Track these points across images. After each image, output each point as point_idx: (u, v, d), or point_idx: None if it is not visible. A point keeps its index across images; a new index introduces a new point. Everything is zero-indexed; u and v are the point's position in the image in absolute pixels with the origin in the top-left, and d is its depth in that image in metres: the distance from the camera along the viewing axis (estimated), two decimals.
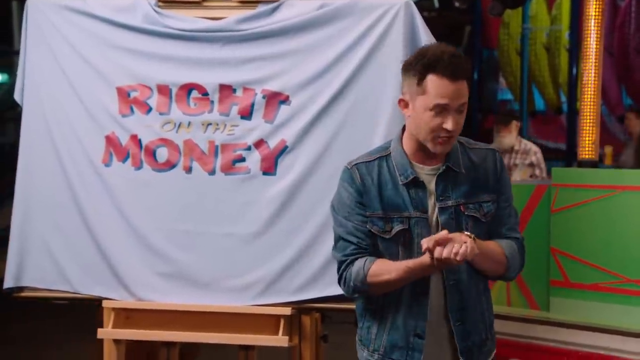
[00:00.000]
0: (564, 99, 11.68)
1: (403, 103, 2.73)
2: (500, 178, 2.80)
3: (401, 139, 2.78)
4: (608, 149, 8.70)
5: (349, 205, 2.75)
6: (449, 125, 2.61)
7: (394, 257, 2.71)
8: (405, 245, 2.71)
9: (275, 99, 3.89)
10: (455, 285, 2.72)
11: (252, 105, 3.91)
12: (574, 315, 2.84)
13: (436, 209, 2.71)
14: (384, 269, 2.67)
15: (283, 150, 3.86)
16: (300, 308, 3.80)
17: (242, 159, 3.88)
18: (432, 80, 2.60)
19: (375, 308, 2.78)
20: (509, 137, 7.10)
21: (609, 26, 9.04)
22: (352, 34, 3.82)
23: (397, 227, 2.70)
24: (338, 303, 3.77)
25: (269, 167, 3.86)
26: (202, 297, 3.84)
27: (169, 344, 3.95)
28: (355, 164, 2.79)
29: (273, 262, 3.80)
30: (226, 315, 3.79)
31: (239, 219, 3.84)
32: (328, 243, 3.72)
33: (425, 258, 2.55)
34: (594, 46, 4.46)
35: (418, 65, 2.63)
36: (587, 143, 4.41)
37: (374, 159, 2.79)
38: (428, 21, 3.90)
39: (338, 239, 2.80)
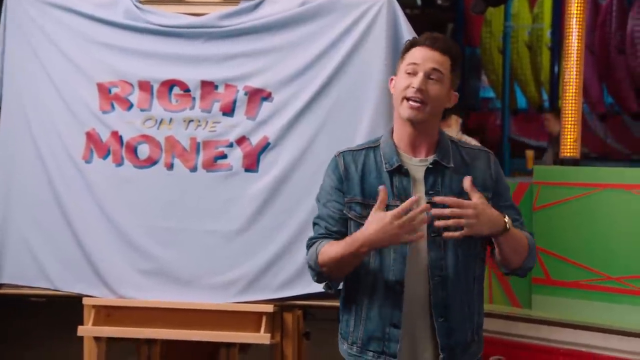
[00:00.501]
0: (545, 96, 11.72)
1: (391, 83, 2.80)
2: (498, 180, 2.80)
3: (392, 132, 2.80)
4: (529, 153, 8.81)
5: (327, 191, 2.80)
6: (415, 83, 2.66)
7: None
8: None
9: (258, 96, 3.86)
10: (440, 282, 2.70)
11: (234, 101, 3.87)
12: (555, 313, 2.83)
13: (421, 201, 2.66)
14: (333, 246, 2.68)
15: (265, 147, 3.83)
16: (283, 305, 3.77)
17: (224, 156, 3.85)
18: (412, 50, 2.73)
19: (352, 300, 2.78)
20: (449, 132, 7.07)
21: (590, 25, 9.05)
22: (334, 30, 3.79)
23: None
24: (320, 300, 3.75)
25: (251, 164, 3.83)
26: (184, 295, 3.80)
27: (151, 342, 3.91)
28: (342, 152, 2.83)
29: (255, 259, 3.77)
30: (208, 312, 3.75)
31: (221, 216, 3.81)
32: None
33: (356, 236, 2.59)
34: (576, 44, 4.48)
35: (407, 44, 2.77)
36: (569, 141, 4.42)
37: (362, 149, 2.83)
38: (411, 18, 3.89)
39: (313, 225, 2.84)
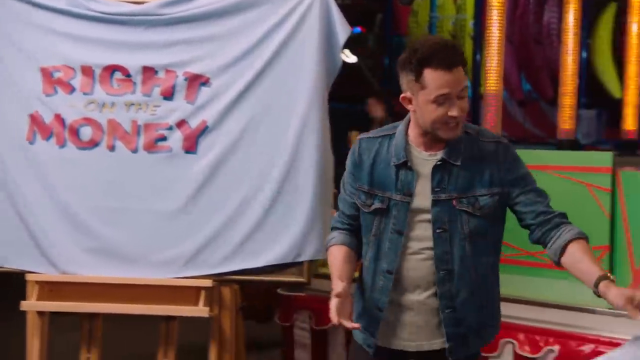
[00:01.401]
0: (468, 83, 11.88)
1: (406, 100, 2.67)
2: (510, 169, 2.73)
3: (408, 125, 2.75)
4: (354, 135, 8.96)
5: (346, 174, 2.84)
6: (454, 112, 2.58)
7: (368, 230, 2.76)
8: (381, 223, 2.74)
9: (196, 81, 3.90)
10: (446, 275, 2.70)
11: (174, 86, 3.91)
12: None
13: (425, 197, 2.69)
14: (329, 258, 2.82)
15: (204, 130, 3.87)
16: (221, 280, 3.83)
17: (164, 138, 3.88)
18: (429, 74, 2.55)
19: (360, 280, 2.86)
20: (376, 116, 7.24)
21: (510, 17, 9.21)
22: (270, 19, 3.85)
23: (376, 205, 2.72)
24: (256, 275, 3.83)
25: (191, 146, 3.87)
26: (127, 271, 3.83)
27: (93, 316, 3.93)
28: (361, 138, 2.83)
29: (195, 237, 3.82)
30: (149, 287, 3.80)
31: (162, 195, 3.85)
32: (247, 219, 3.80)
33: (336, 288, 2.59)
34: (497, 35, 4.58)
35: (413, 62, 2.57)
36: (490, 124, 4.52)
37: (379, 136, 2.79)
38: (342, 9, 3.94)
39: (339, 200, 2.90)
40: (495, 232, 2.78)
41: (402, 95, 2.67)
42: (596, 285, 2.49)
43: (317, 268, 4.30)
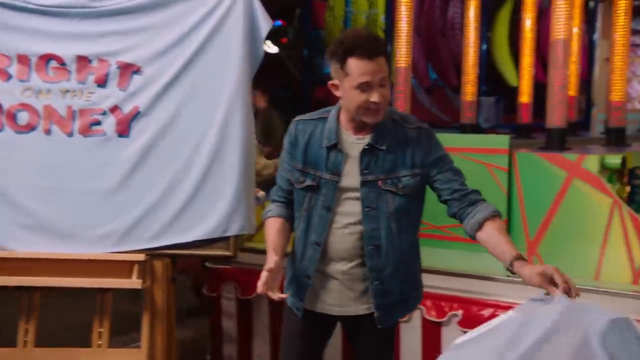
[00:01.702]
0: None
1: (334, 87, 2.73)
2: (430, 152, 2.79)
3: (339, 111, 2.81)
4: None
5: (284, 152, 2.87)
6: (375, 98, 2.64)
7: (300, 205, 2.82)
8: (312, 199, 2.79)
9: (129, 70, 3.85)
10: (374, 250, 2.76)
11: (107, 74, 3.86)
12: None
13: (355, 177, 2.75)
14: (266, 230, 2.88)
15: (136, 115, 3.83)
16: (153, 254, 3.80)
17: (99, 123, 3.83)
18: (352, 62, 2.61)
19: (291, 254, 2.92)
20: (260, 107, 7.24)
21: (417, 11, 9.31)
22: (198, 13, 3.81)
23: (308, 182, 2.78)
24: (186, 249, 3.82)
25: (124, 130, 3.83)
26: (62, 247, 3.78)
27: (30, 290, 3.86)
28: (297, 120, 2.87)
29: (128, 214, 3.79)
30: (85, 262, 3.74)
31: (96, 176, 3.80)
32: (177, 197, 3.79)
33: (268, 262, 2.65)
34: (406, 28, 4.62)
35: (339, 52, 2.63)
36: (401, 111, 4.58)
37: (315, 119, 2.84)
38: (264, 3, 3.92)
39: (276, 175, 2.95)
40: (417, 210, 2.86)
41: (330, 82, 2.74)
42: (511, 264, 2.56)
43: (243, 242, 4.31)
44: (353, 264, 2.81)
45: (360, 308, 2.84)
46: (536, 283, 2.46)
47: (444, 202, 2.82)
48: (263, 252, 4.44)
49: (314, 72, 13.19)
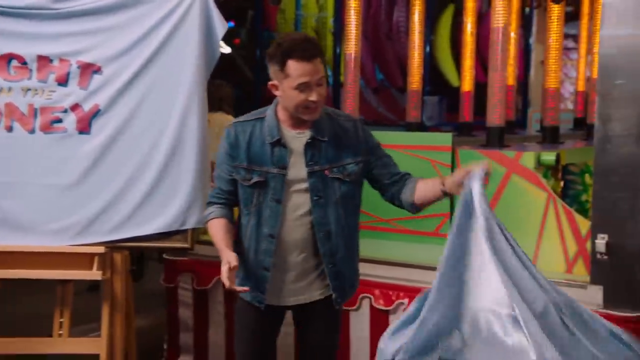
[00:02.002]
0: (330, 73, 12.00)
1: (274, 87, 2.76)
2: (367, 141, 2.90)
3: (277, 106, 2.83)
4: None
5: (222, 155, 2.86)
6: (313, 97, 2.68)
7: (249, 202, 2.81)
8: (260, 194, 2.80)
9: (89, 69, 3.81)
10: (325, 236, 2.80)
11: (68, 74, 3.81)
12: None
13: (300, 169, 2.78)
14: (211, 231, 2.86)
15: (96, 113, 3.79)
16: (112, 247, 3.76)
17: (60, 120, 3.78)
18: (291, 64, 2.65)
19: (239, 246, 2.88)
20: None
21: (364, 15, 9.36)
22: (156, 15, 3.78)
23: (256, 179, 2.78)
24: (144, 242, 3.79)
25: (84, 127, 3.78)
26: (25, 240, 3.72)
27: None
28: (235, 123, 2.86)
29: (88, 207, 3.74)
30: (46, 254, 3.69)
31: (57, 171, 3.75)
32: (136, 192, 3.76)
33: (228, 257, 2.66)
34: (354, 31, 4.64)
35: (278, 55, 2.67)
36: (349, 109, 4.60)
37: (252, 120, 2.85)
38: (217, 5, 3.92)
39: (214, 179, 2.93)
40: (359, 195, 2.93)
41: (270, 83, 2.77)
42: (443, 184, 2.74)
43: (199, 235, 4.29)
44: (305, 254, 2.84)
45: (314, 294, 2.88)
46: (459, 176, 2.63)
47: (382, 186, 2.91)
48: None
49: (266, 73, 13.19)
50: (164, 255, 4.61)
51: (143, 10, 3.79)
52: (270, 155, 2.78)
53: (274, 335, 3.01)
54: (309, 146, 2.78)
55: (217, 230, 2.84)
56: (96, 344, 3.76)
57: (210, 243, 4.41)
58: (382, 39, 10.45)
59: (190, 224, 3.77)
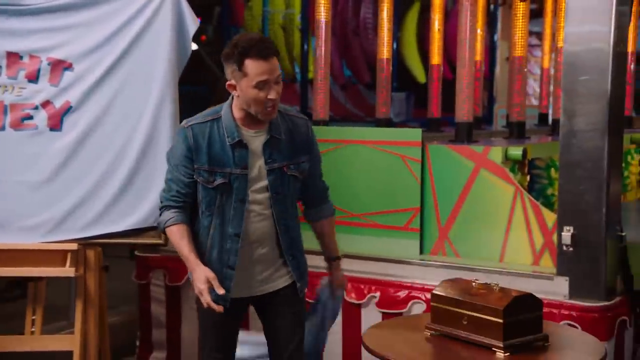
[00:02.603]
0: (297, 69, 12.02)
1: (232, 87, 2.77)
2: (312, 142, 2.96)
3: (231, 106, 2.83)
4: None
5: (179, 157, 2.82)
6: (272, 95, 2.72)
7: (212, 203, 2.82)
8: (224, 195, 2.82)
9: (60, 66, 3.80)
10: (285, 229, 2.88)
11: (38, 70, 3.80)
12: (313, 244, 3.06)
13: (260, 168, 2.82)
14: (174, 238, 2.85)
15: (68, 110, 3.79)
16: (85, 243, 3.76)
17: (31, 117, 3.77)
18: (249, 63, 2.67)
19: (200, 247, 2.87)
20: None
21: (332, 12, 9.41)
22: (127, 11, 3.79)
23: (219, 180, 2.79)
24: (116, 239, 3.80)
25: (55, 124, 3.78)
26: None
27: None
28: (190, 125, 2.83)
29: (61, 204, 3.74)
30: (18, 251, 3.68)
31: (29, 168, 3.74)
32: (108, 189, 3.77)
33: (207, 274, 2.70)
34: (324, 28, 4.65)
35: (235, 55, 2.68)
36: (320, 105, 4.62)
37: (207, 121, 2.84)
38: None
39: (166, 181, 2.89)
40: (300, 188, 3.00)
41: (227, 83, 2.78)
42: (330, 260, 3.14)
43: None
44: (269, 246, 2.91)
45: (279, 282, 2.95)
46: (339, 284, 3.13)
47: (306, 187, 2.99)
48: None
49: None
50: (136, 252, 4.62)
51: (115, 6, 3.79)
52: (232, 157, 2.80)
53: (237, 326, 3.05)
54: (267, 145, 2.83)
55: (181, 239, 2.83)
56: (69, 341, 3.76)
57: None
58: (350, 36, 10.49)
59: None
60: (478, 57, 5.57)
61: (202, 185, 2.83)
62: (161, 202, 2.92)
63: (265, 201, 2.85)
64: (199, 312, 2.99)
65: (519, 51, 5.21)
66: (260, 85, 2.70)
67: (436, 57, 5.17)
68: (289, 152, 2.86)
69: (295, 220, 2.95)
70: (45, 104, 3.77)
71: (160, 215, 2.92)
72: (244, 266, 2.88)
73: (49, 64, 3.78)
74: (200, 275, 2.71)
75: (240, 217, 2.82)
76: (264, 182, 2.83)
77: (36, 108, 3.77)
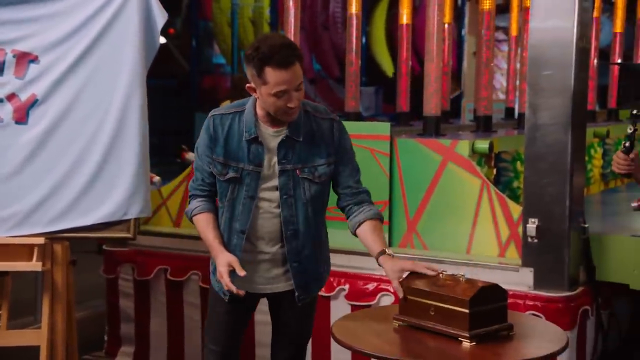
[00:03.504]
0: None
1: (251, 89, 2.74)
2: (340, 144, 2.86)
3: (255, 104, 2.81)
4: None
5: (202, 147, 2.84)
6: (292, 104, 2.67)
7: (224, 195, 2.84)
8: (234, 190, 2.82)
9: (25, 59, 3.77)
10: (293, 234, 2.83)
11: (3, 63, 3.77)
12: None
13: (274, 167, 2.79)
14: (200, 226, 2.87)
15: (34, 103, 3.76)
16: (52, 238, 3.74)
17: None
18: (269, 72, 2.62)
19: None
20: None
21: (302, 6, 9.41)
22: (94, 3, 3.76)
23: (231, 174, 2.80)
24: (85, 233, 3.78)
25: (21, 117, 3.75)
26: None
27: None
28: (213, 115, 2.84)
29: (28, 198, 3.71)
30: None
31: None
32: (77, 182, 3.75)
33: (229, 259, 2.72)
34: (293, 22, 4.66)
35: (255, 60, 2.63)
36: None
37: (231, 113, 2.83)
38: None
39: (194, 170, 2.91)
40: (327, 195, 2.94)
41: (247, 85, 2.75)
42: (377, 257, 2.77)
43: (139, 225, 4.29)
44: (278, 246, 2.88)
45: (285, 284, 2.92)
46: (394, 278, 2.71)
47: (336, 192, 2.93)
48: (160, 234, 4.48)
49: (202, 63, 13.12)
50: (104, 247, 4.60)
51: None
52: (247, 152, 2.79)
53: (243, 320, 3.06)
54: (282, 145, 2.79)
55: (206, 226, 2.86)
56: (36, 336, 3.74)
57: (150, 233, 4.46)
58: (319, 30, 10.51)
59: (133, 214, 3.77)
60: (445, 51, 5.62)
61: (217, 177, 2.85)
62: (190, 191, 2.95)
63: (275, 200, 2.83)
64: (210, 302, 3.03)
65: (485, 46, 5.27)
66: (280, 95, 2.65)
67: (404, 52, 5.20)
68: (305, 154, 2.80)
69: (310, 226, 2.85)
70: (11, 97, 3.75)
71: (189, 204, 2.94)
72: (249, 261, 2.88)
73: (14, 57, 3.75)
74: (223, 260, 2.73)
75: (248, 214, 2.82)
76: (276, 182, 2.82)
77: (1, 101, 3.74)
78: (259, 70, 2.65)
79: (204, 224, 2.87)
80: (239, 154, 2.80)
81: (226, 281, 2.70)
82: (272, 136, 2.80)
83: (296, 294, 2.90)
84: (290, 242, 2.85)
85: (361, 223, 2.84)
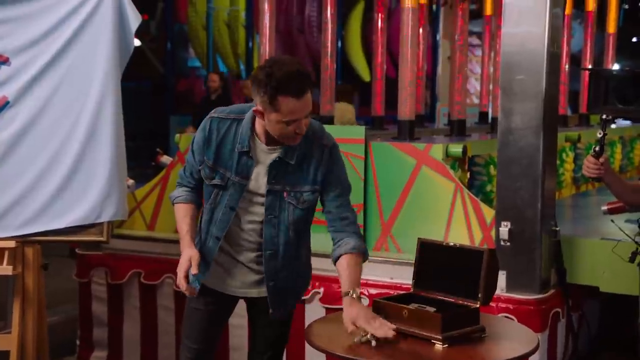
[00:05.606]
0: (242, 67, 12.01)
1: (259, 113, 2.67)
2: (329, 170, 2.80)
3: (254, 119, 2.75)
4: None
5: (196, 144, 2.83)
6: (300, 130, 2.64)
7: (207, 197, 2.84)
8: (217, 196, 2.81)
9: None
10: (272, 255, 2.82)
11: None
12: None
13: (262, 183, 2.77)
14: (178, 214, 2.88)
15: (5, 105, 3.73)
16: (24, 241, 3.71)
17: None
18: (282, 100, 2.56)
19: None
20: None
21: (277, 9, 9.42)
22: (66, 6, 3.75)
23: (217, 180, 2.79)
24: (58, 236, 3.76)
25: None
26: None
27: None
28: (212, 117, 2.81)
29: None
30: None
31: None
32: (50, 185, 3.73)
33: (191, 255, 2.72)
34: (268, 25, 4.66)
35: (268, 88, 2.56)
36: None
37: (230, 119, 2.79)
38: None
39: (186, 161, 2.91)
40: (311, 216, 2.91)
41: (254, 109, 2.69)
42: (343, 296, 2.70)
43: (114, 229, 4.27)
44: (254, 256, 2.87)
45: (260, 291, 2.91)
46: (347, 324, 2.62)
47: (326, 217, 2.89)
48: (133, 238, 4.46)
49: (178, 66, 13.08)
50: (77, 250, 4.57)
51: (52, 0, 3.74)
52: (236, 163, 2.77)
53: (220, 319, 3.04)
54: (274, 165, 2.76)
55: (183, 217, 2.86)
56: (6, 341, 3.71)
57: (124, 237, 4.44)
58: (294, 33, 10.52)
59: (106, 217, 3.75)
60: (420, 56, 5.64)
61: (203, 179, 2.85)
62: (178, 177, 2.95)
63: (259, 215, 2.81)
64: (187, 301, 3.01)
65: (459, 50, 5.31)
66: (290, 122, 2.61)
67: (379, 56, 5.22)
68: (295, 178, 2.78)
69: (290, 248, 2.83)
70: None
71: (176, 189, 2.95)
72: (226, 264, 2.88)
73: None
74: (186, 254, 2.73)
75: (226, 223, 2.81)
76: (262, 199, 2.80)
77: None
78: (271, 98, 2.58)
79: (181, 214, 2.88)
80: (229, 162, 2.79)
81: (180, 276, 2.71)
82: (265, 152, 2.77)
83: (270, 310, 2.88)
84: (268, 262, 2.83)
85: (338, 258, 2.80)
